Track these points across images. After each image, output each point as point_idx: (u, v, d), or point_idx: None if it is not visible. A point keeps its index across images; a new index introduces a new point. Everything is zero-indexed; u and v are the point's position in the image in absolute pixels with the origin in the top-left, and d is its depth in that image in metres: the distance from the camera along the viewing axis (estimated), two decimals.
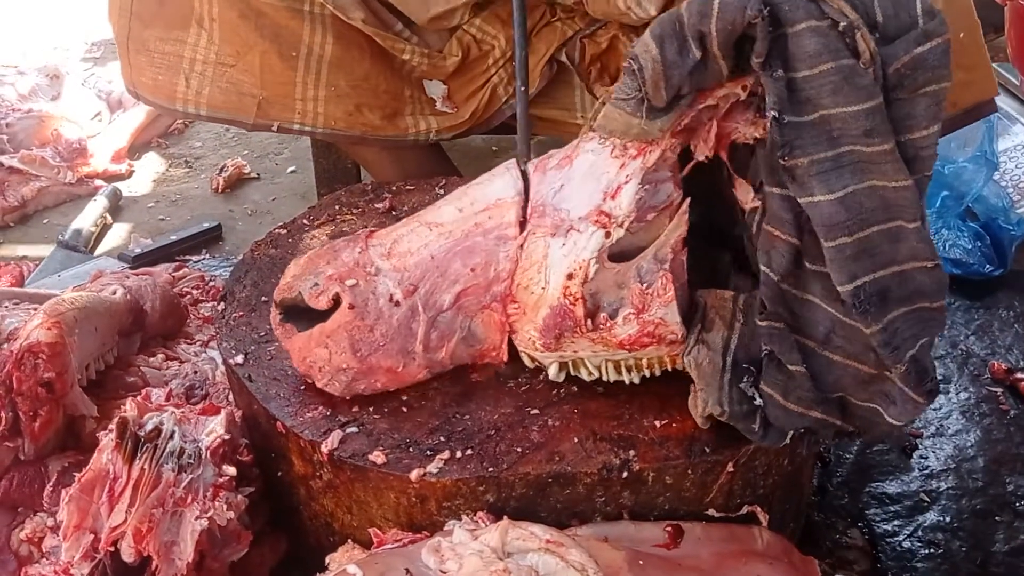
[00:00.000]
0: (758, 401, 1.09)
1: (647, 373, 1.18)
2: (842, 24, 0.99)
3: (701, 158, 1.13)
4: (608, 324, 1.12)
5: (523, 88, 1.56)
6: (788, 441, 1.12)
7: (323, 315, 1.18)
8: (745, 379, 1.09)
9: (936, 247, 1.96)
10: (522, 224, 1.16)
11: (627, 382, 1.18)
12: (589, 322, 1.11)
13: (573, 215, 1.12)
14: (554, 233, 1.12)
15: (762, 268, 1.08)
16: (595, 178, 1.11)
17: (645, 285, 1.11)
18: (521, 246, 1.16)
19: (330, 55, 1.64)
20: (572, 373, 1.19)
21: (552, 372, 1.19)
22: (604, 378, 1.18)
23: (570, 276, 1.11)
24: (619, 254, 1.12)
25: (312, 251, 1.24)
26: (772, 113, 1.00)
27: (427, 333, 1.16)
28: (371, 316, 1.15)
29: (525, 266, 1.15)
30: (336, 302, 1.17)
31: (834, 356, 1.07)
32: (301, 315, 1.19)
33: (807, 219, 1.03)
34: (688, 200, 1.14)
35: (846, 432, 1.13)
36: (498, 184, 1.19)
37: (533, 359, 1.20)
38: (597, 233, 1.10)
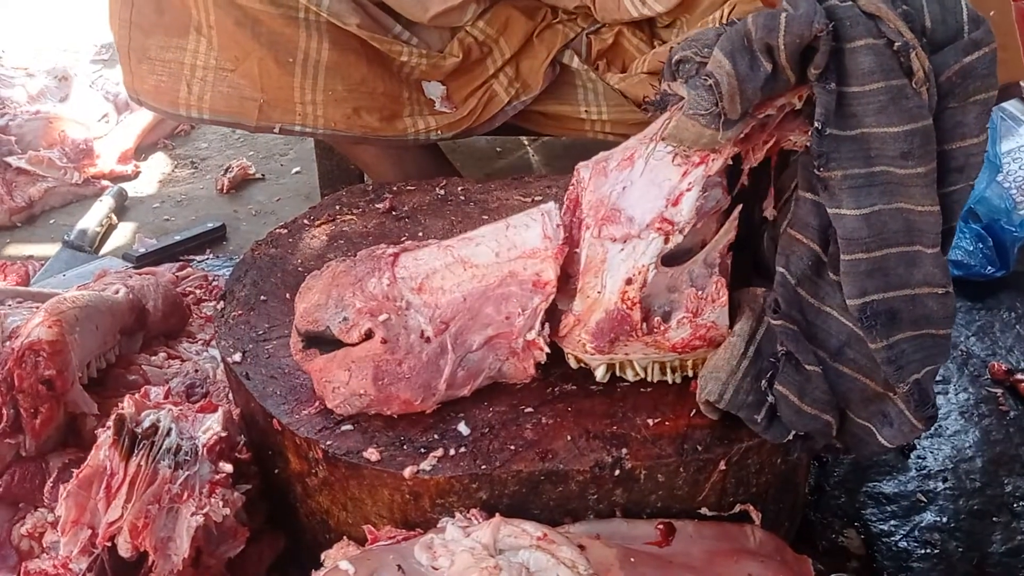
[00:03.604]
0: (770, 398, 1.11)
1: (689, 373, 1.19)
2: (897, 44, 1.02)
3: (753, 164, 1.15)
4: (662, 328, 1.14)
5: None
6: (790, 438, 1.13)
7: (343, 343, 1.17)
8: (769, 373, 1.11)
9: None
10: (560, 279, 1.16)
11: (670, 382, 1.20)
12: (644, 326, 1.13)
13: (636, 221, 1.13)
14: (615, 239, 1.13)
15: (779, 269, 1.11)
16: (657, 185, 1.13)
17: (698, 290, 1.13)
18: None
19: (326, 60, 1.65)
20: (617, 374, 1.20)
21: (599, 374, 1.20)
22: (649, 379, 1.20)
23: (629, 281, 1.12)
24: (666, 257, 1.14)
25: (329, 272, 1.21)
26: (817, 124, 1.03)
27: (453, 372, 1.16)
28: (401, 350, 1.15)
29: (583, 269, 1.15)
30: (366, 336, 1.16)
31: (844, 368, 1.10)
32: (323, 342, 1.18)
33: (835, 230, 1.06)
34: (740, 206, 1.16)
35: (834, 447, 1.15)
36: (537, 231, 1.18)
37: (580, 361, 1.20)
38: (657, 239, 1.12)
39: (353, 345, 1.16)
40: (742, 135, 1.09)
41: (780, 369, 1.10)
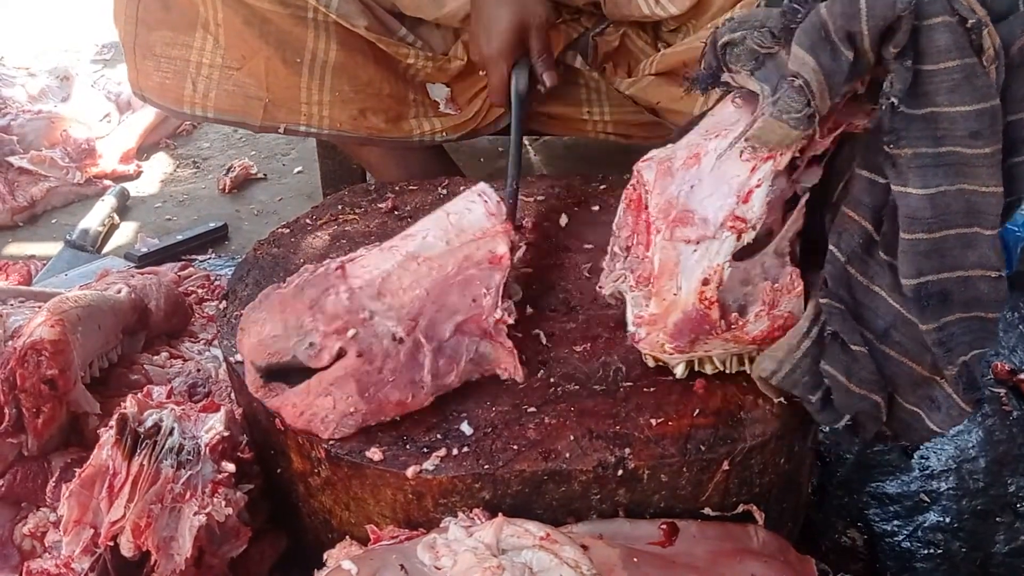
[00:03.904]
0: (827, 380, 1.10)
1: None
2: (971, 21, 1.01)
3: (818, 153, 1.13)
4: (740, 323, 1.13)
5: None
6: (845, 423, 1.12)
7: (312, 369, 1.16)
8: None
9: None
10: (512, 249, 1.18)
11: (749, 372, 1.19)
12: (723, 323, 1.13)
13: (710, 222, 1.12)
14: (688, 240, 1.13)
15: (831, 247, 1.10)
16: (726, 182, 1.12)
17: (772, 281, 1.13)
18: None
19: (334, 61, 1.65)
20: (696, 369, 1.20)
21: (679, 372, 1.20)
22: (727, 371, 1.20)
23: (705, 281, 1.12)
24: (736, 252, 1.13)
25: (274, 299, 1.17)
26: (892, 100, 1.02)
27: (434, 361, 1.17)
28: (378, 358, 1.15)
29: (656, 273, 1.15)
30: (337, 356, 1.15)
31: (890, 351, 1.09)
32: (287, 372, 1.16)
33: (891, 209, 1.05)
34: (807, 195, 1.15)
35: (883, 434, 1.14)
36: (480, 211, 1.19)
37: (658, 360, 1.20)
38: (730, 238, 1.12)
39: (323, 369, 1.15)
40: None
41: (827, 349, 1.10)
